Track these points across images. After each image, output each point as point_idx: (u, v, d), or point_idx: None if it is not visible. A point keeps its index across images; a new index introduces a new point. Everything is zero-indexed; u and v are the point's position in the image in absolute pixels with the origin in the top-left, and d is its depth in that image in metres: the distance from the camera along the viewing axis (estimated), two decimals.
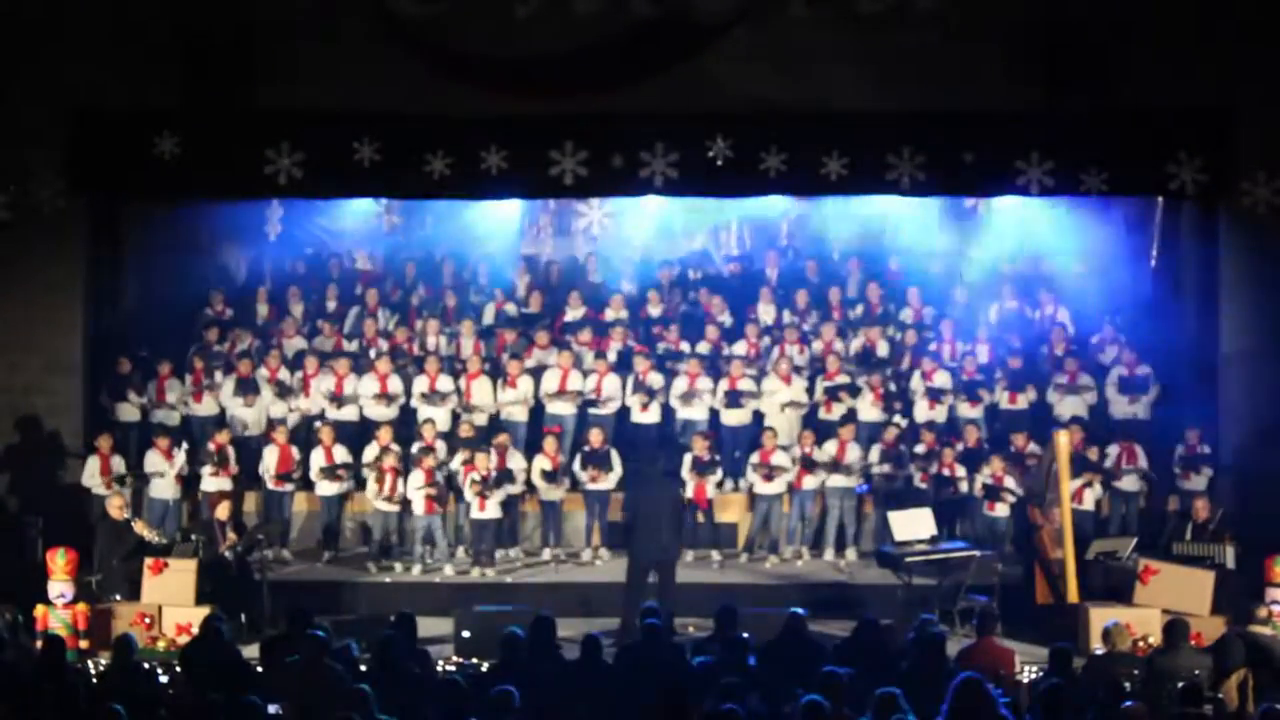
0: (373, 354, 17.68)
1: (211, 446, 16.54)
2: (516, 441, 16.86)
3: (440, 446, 16.57)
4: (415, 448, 16.48)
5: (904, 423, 17.03)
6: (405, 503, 16.43)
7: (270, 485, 16.70)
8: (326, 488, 16.62)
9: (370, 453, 16.50)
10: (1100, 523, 16.20)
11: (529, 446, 16.95)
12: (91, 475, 16.25)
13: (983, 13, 16.22)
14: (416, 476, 16.16)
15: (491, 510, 16.17)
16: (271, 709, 10.04)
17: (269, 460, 16.64)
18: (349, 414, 17.23)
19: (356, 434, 17.05)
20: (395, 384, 17.26)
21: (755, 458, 16.61)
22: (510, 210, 19.56)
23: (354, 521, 16.96)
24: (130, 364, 17.26)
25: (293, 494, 16.88)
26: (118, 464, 16.29)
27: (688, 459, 16.56)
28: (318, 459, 16.57)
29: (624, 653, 11.77)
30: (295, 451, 16.77)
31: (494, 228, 19.84)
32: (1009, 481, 16.06)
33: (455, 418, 17.18)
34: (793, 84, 16.31)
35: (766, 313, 18.51)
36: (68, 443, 16.78)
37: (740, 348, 17.86)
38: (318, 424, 16.99)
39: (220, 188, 16.94)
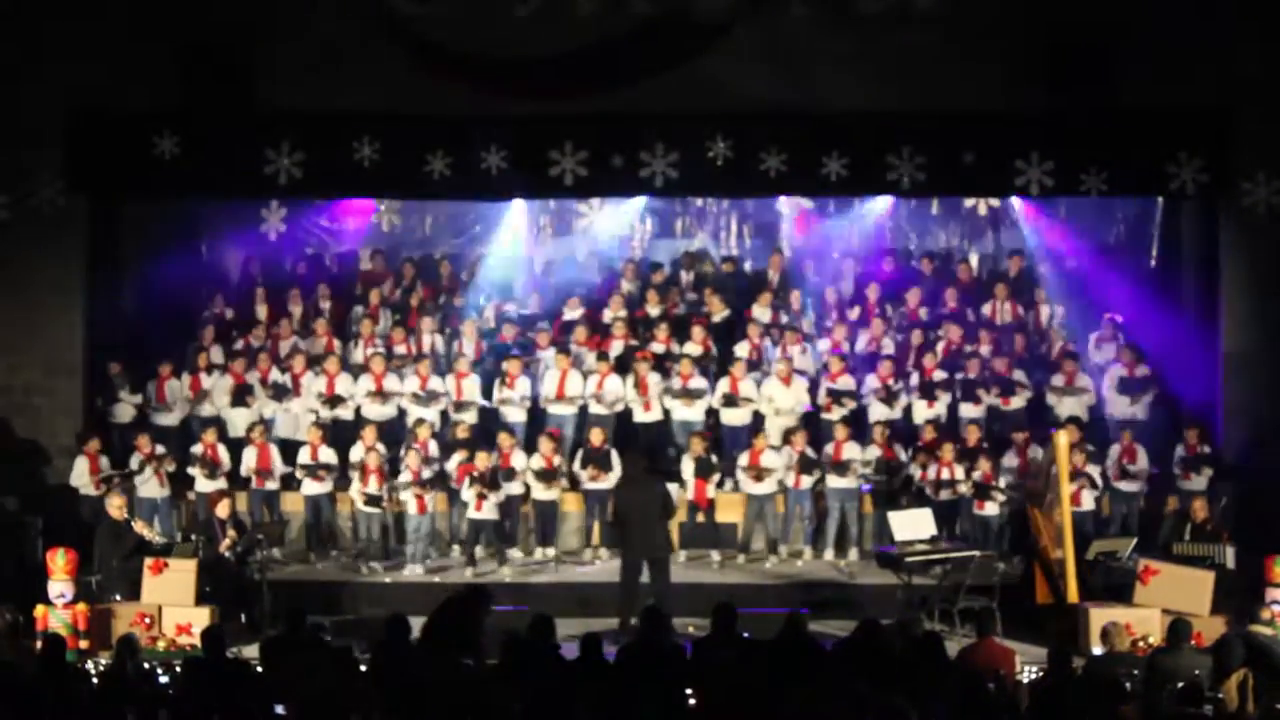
0: (369, 353, 17.65)
1: (200, 448, 16.54)
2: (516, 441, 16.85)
3: (432, 446, 16.56)
4: (405, 448, 16.48)
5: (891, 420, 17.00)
6: (399, 504, 16.47)
7: (253, 485, 16.68)
8: (309, 487, 16.62)
9: (356, 453, 16.49)
10: (1100, 523, 16.19)
11: (527, 446, 16.93)
12: (80, 476, 16.26)
13: (983, 13, 16.25)
14: (405, 476, 16.17)
15: (488, 511, 16.16)
16: (277, 710, 10.04)
17: (249, 460, 16.63)
18: (344, 414, 17.23)
19: (352, 433, 17.05)
20: (391, 383, 17.26)
21: (744, 459, 16.59)
22: (509, 210, 19.56)
23: (349, 521, 16.92)
24: (120, 366, 17.26)
25: (279, 493, 16.86)
26: (106, 465, 16.28)
27: (686, 459, 16.56)
28: (303, 458, 16.58)
29: (624, 652, 11.77)
30: (274, 450, 16.74)
31: (493, 228, 19.85)
32: (998, 480, 16.08)
33: (446, 418, 17.17)
34: (793, 84, 16.34)
35: (763, 313, 18.47)
36: (68, 443, 16.78)
37: (742, 348, 17.84)
38: (310, 424, 17.00)
39: (220, 188, 16.98)
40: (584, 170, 16.43)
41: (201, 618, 13.96)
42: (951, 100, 16.22)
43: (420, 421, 16.75)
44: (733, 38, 16.35)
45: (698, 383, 17.22)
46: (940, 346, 17.79)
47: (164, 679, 11.85)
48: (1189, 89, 16.17)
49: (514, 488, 16.50)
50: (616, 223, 20.35)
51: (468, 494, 16.12)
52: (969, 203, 20.00)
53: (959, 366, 17.52)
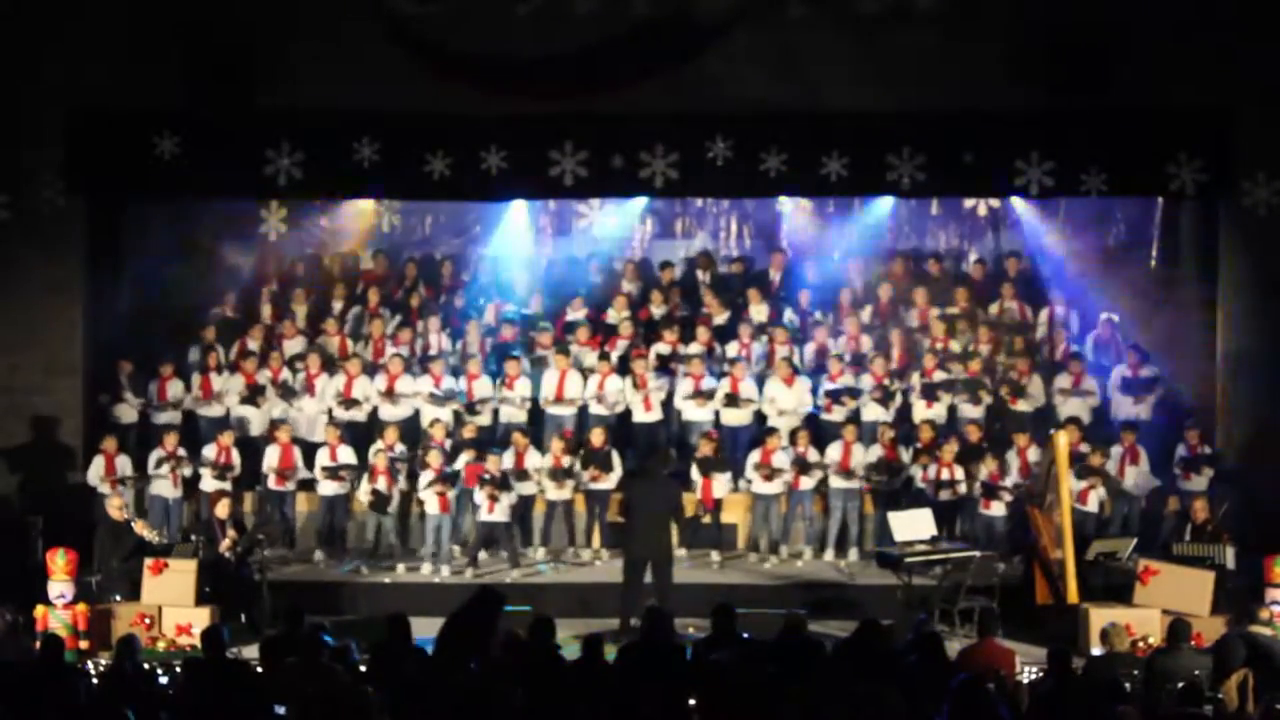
0: (390, 353, 17.64)
1: (215, 449, 16.52)
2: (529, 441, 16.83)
3: (448, 445, 16.56)
4: (423, 448, 16.47)
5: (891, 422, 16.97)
6: (405, 503, 16.42)
7: (272, 484, 16.68)
8: (326, 487, 16.61)
9: (371, 453, 16.49)
10: (1101, 523, 16.19)
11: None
12: (96, 475, 16.26)
13: (983, 13, 16.25)
14: (426, 476, 16.15)
15: (500, 513, 16.14)
16: (277, 710, 10.03)
17: (271, 459, 16.63)
18: (359, 415, 17.23)
19: (366, 434, 17.04)
20: (405, 384, 17.25)
21: (756, 457, 16.59)
22: (510, 210, 19.55)
23: (355, 522, 16.94)
24: (130, 365, 17.27)
25: (294, 494, 16.87)
26: (122, 464, 16.30)
27: (694, 460, 16.55)
28: (322, 458, 16.57)
29: (624, 652, 11.76)
30: (297, 451, 16.75)
31: (493, 228, 19.84)
32: (1005, 480, 16.08)
33: (458, 418, 17.18)
34: (793, 84, 16.35)
35: (759, 312, 18.46)
36: (68, 443, 16.79)
37: (733, 348, 17.83)
38: (326, 424, 17.01)
39: (220, 188, 16.97)
40: (584, 170, 16.43)
41: (201, 618, 13.97)
42: (951, 100, 16.22)
43: (435, 421, 16.75)
44: (733, 38, 16.36)
45: (710, 382, 17.23)
46: (927, 344, 17.78)
47: (164, 679, 11.85)
48: (1189, 89, 16.17)
49: (528, 488, 16.49)
50: (617, 223, 20.31)
51: (480, 495, 16.09)
52: (969, 203, 19.99)
53: (946, 364, 17.49)
